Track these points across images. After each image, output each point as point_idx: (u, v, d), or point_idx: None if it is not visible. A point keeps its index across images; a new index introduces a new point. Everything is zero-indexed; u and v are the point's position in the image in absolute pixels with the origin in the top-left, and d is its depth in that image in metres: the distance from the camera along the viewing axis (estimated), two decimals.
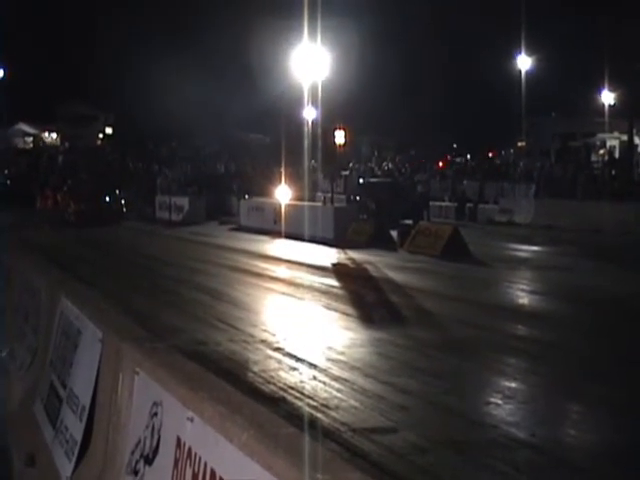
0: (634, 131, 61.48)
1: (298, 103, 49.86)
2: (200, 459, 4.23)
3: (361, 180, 51.52)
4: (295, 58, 45.64)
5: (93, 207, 46.28)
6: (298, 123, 52.37)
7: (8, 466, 7.74)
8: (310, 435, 4.66)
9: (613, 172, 56.76)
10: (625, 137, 64.05)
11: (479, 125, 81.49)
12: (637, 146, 63.03)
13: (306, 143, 47.68)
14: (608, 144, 69.41)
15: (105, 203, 48.44)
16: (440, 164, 76.10)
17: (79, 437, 6.38)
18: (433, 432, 10.46)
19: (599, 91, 73.18)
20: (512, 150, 76.93)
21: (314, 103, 46.94)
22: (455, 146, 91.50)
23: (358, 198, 46.77)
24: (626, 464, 9.52)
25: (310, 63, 44.18)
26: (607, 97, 72.33)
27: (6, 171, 57.72)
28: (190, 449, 4.38)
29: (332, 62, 45.67)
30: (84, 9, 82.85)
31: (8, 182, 57.04)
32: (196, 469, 4.21)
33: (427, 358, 14.68)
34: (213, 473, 3.99)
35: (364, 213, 42.32)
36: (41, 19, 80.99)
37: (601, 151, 68.90)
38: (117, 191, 51.89)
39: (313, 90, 44.73)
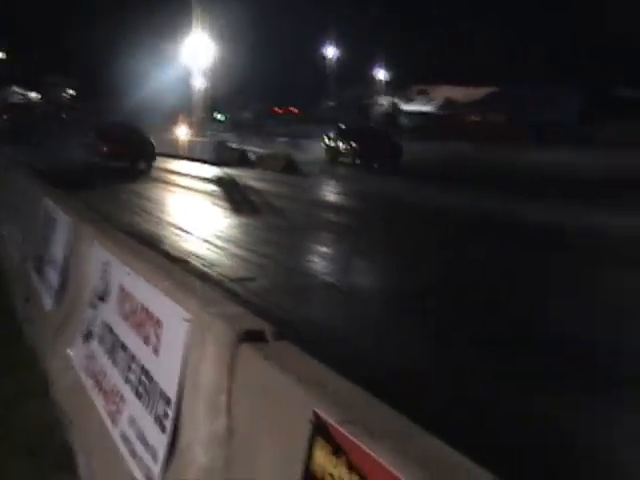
0: (398, 97, 63.57)
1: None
2: (136, 299, 4.18)
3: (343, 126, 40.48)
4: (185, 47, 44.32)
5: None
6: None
7: (11, 303, 7.60)
8: (204, 281, 4.66)
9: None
10: (395, 100, 65.77)
11: (309, 91, 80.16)
12: (400, 106, 64.70)
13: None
14: (385, 103, 70.38)
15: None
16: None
17: (56, 283, 6.26)
18: (278, 281, 10.51)
19: (378, 69, 74.28)
20: (325, 107, 76.79)
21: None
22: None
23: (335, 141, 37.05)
24: (400, 295, 9.77)
25: (197, 51, 43.19)
26: (383, 74, 73.73)
27: (4, 116, 54.36)
28: (129, 292, 4.32)
29: (216, 49, 44.64)
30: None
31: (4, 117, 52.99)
32: (133, 305, 4.16)
33: (276, 235, 14.71)
34: (144, 307, 3.96)
35: (348, 154, 35.18)
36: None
37: (382, 108, 69.88)
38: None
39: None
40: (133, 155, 30.27)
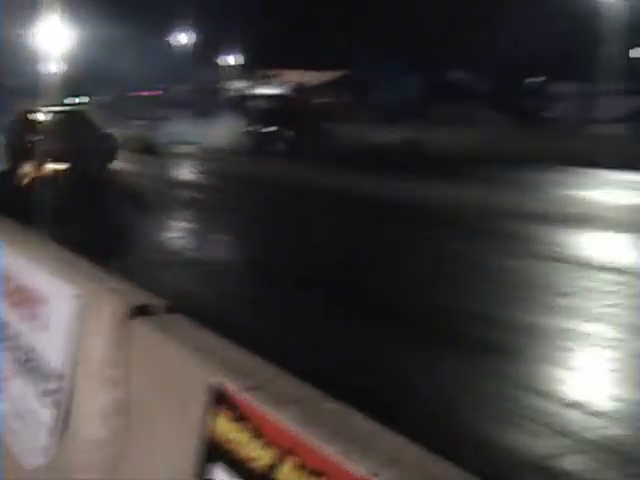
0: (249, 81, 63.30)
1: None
2: (18, 277, 3.89)
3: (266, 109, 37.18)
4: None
5: None
6: None
7: None
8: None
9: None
10: (245, 83, 65.40)
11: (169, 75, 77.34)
12: (249, 89, 64.14)
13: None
14: (236, 86, 69.79)
15: None
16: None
17: None
18: (144, 257, 10.31)
19: (230, 54, 73.88)
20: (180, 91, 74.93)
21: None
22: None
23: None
24: (255, 268, 9.78)
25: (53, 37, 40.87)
26: (236, 59, 73.46)
27: None
28: (10, 271, 4.04)
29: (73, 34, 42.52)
30: None
31: None
32: (16, 284, 3.86)
33: (137, 212, 14.31)
34: (27, 285, 3.72)
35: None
36: None
37: (232, 91, 69.26)
38: None
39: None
40: (81, 156, 19.15)
